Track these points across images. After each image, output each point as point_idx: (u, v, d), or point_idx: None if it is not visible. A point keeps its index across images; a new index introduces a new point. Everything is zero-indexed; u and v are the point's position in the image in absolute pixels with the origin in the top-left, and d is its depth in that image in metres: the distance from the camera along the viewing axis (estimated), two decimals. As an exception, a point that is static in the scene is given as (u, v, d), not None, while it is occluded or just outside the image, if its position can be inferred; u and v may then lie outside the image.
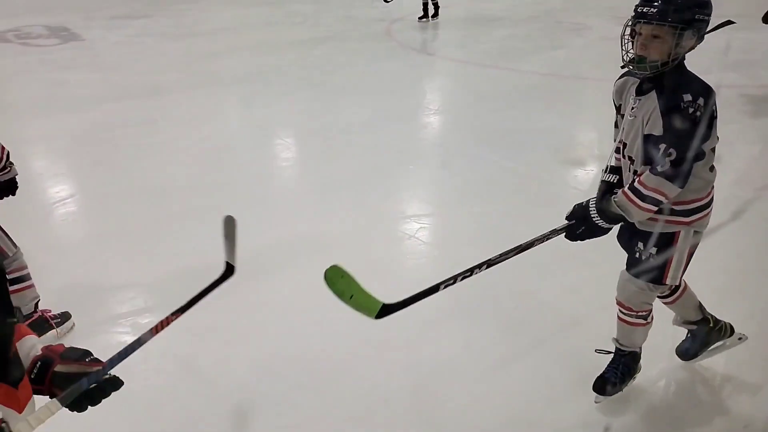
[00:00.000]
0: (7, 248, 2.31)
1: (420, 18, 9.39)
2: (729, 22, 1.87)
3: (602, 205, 1.78)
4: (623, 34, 1.74)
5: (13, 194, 2.38)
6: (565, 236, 1.81)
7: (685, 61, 1.73)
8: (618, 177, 1.97)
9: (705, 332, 2.20)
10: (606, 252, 2.08)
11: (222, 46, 8.04)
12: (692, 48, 1.70)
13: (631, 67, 1.75)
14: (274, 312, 2.68)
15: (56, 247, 3.28)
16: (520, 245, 1.75)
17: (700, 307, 2.19)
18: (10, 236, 2.36)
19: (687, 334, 2.24)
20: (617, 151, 1.93)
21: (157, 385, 2.25)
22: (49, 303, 2.68)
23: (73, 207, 3.74)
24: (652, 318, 2.05)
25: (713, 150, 1.78)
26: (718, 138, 1.77)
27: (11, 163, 2.32)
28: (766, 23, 5.45)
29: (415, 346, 2.42)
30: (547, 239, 1.78)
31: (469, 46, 8.38)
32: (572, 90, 5.77)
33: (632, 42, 1.73)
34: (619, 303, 2.02)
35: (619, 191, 1.78)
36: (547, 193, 3.87)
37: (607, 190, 1.97)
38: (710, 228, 3.17)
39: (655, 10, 1.64)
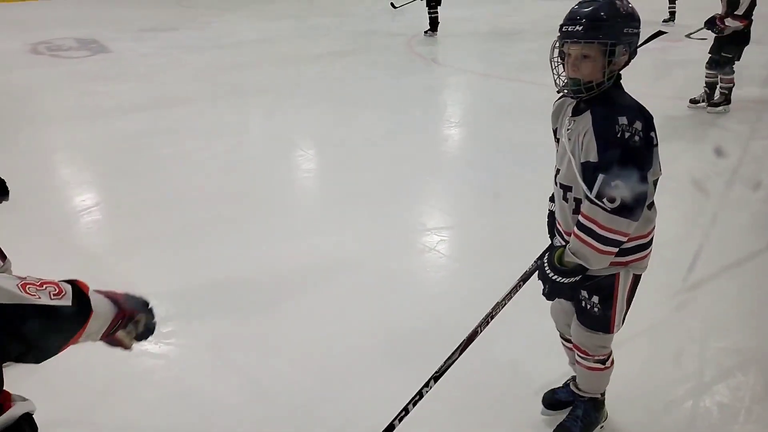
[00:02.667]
0: None
1: (426, 32, 9.46)
2: (660, 33, 1.76)
3: (552, 259, 1.62)
4: (552, 57, 1.61)
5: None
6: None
7: (621, 80, 1.61)
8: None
9: (596, 407, 1.98)
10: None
11: (246, 59, 8.17)
12: (626, 64, 1.59)
13: (566, 92, 1.62)
14: (294, 322, 2.68)
15: (81, 253, 3.33)
16: (461, 344, 1.72)
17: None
18: (1, 248, 2.34)
19: (574, 404, 2.01)
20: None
21: (193, 384, 2.27)
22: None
23: (99, 215, 3.80)
24: (613, 362, 1.91)
25: (655, 183, 1.61)
26: (660, 170, 1.61)
27: None
28: (708, 30, 5.25)
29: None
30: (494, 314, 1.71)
31: (491, 59, 8.38)
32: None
33: (563, 64, 1.60)
34: (575, 347, 1.89)
35: (570, 237, 1.60)
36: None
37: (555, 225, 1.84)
38: (745, 255, 3.13)
39: (582, 28, 1.51)
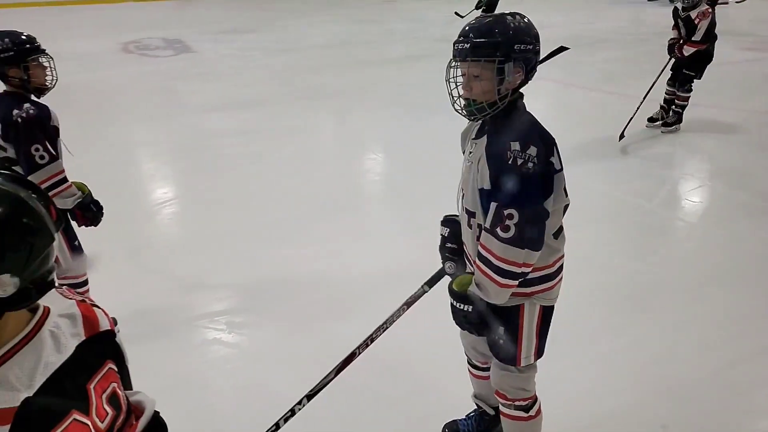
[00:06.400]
0: (63, 259, 2.26)
1: None
2: (562, 49, 1.65)
3: (453, 288, 1.56)
4: (447, 78, 1.51)
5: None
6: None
7: (524, 99, 1.51)
8: (449, 230, 1.76)
9: None
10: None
11: (321, 62, 8.31)
12: (524, 83, 1.49)
13: (464, 115, 1.52)
14: (360, 322, 2.68)
15: (160, 244, 3.47)
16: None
17: None
18: (76, 243, 2.32)
19: None
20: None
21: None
22: (151, 296, 2.84)
23: (177, 208, 3.96)
24: (539, 412, 1.75)
25: (564, 210, 1.53)
26: (567, 197, 1.52)
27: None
28: (669, 55, 5.14)
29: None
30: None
31: (570, 67, 8.11)
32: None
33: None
34: (496, 392, 1.75)
35: (474, 268, 1.52)
36: (648, 223, 3.66)
37: (446, 251, 1.76)
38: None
39: (469, 45, 1.42)
